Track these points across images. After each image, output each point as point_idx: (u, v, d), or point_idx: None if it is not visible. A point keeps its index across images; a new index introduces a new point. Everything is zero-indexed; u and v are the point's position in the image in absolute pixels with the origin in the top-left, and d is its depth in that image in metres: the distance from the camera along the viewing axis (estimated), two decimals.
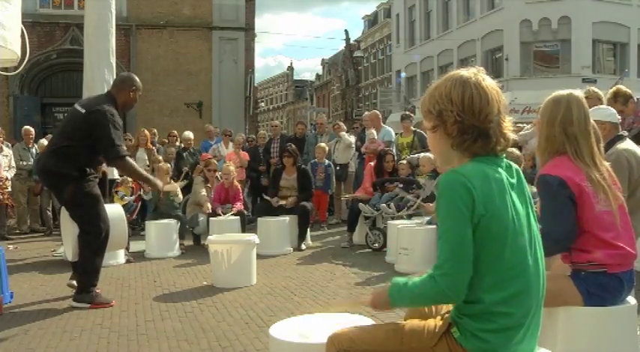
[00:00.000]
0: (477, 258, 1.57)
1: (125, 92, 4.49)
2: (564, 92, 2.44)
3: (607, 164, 2.40)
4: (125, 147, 4.43)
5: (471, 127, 1.62)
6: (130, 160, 4.42)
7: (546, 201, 2.33)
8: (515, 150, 5.47)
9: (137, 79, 4.63)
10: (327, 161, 8.77)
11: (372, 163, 7.72)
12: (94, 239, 4.30)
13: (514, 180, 1.67)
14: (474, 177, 1.57)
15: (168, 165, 8.01)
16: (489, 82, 1.67)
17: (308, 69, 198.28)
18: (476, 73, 1.67)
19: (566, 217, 2.26)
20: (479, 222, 1.55)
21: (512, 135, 1.68)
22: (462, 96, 1.62)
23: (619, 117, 3.56)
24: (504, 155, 1.69)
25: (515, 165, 1.73)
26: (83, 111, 4.26)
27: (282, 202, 7.10)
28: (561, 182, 2.25)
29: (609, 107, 3.43)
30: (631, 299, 2.36)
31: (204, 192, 7.39)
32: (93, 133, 4.20)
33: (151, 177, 4.78)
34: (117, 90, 4.50)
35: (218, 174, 7.67)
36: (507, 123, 1.67)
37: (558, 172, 2.28)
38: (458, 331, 1.61)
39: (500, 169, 1.64)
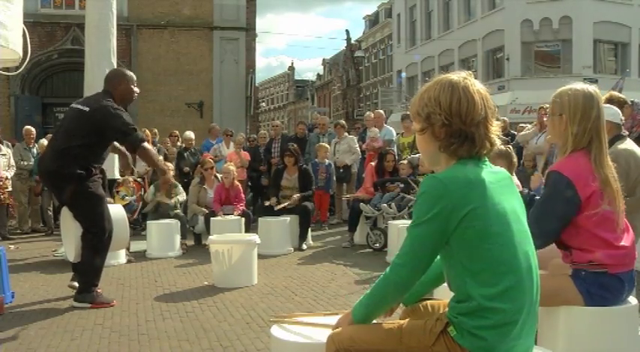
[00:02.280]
0: (465, 257, 1.61)
1: (122, 86, 4.50)
2: (586, 87, 2.34)
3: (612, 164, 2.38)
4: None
5: (458, 131, 1.66)
6: (149, 145, 4.61)
7: (544, 198, 2.33)
8: (504, 147, 5.43)
9: (128, 71, 4.73)
10: (327, 161, 8.78)
11: (372, 163, 7.73)
12: (97, 239, 4.31)
13: (499, 180, 1.69)
14: (454, 182, 1.61)
15: (171, 164, 8.03)
16: (478, 87, 1.70)
17: (310, 69, 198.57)
18: (465, 77, 1.70)
19: (554, 219, 2.25)
20: (460, 222, 1.59)
21: (498, 141, 1.71)
22: (450, 100, 1.66)
23: (622, 117, 3.54)
24: (486, 158, 1.72)
25: (499, 168, 1.76)
26: (87, 109, 4.27)
27: (283, 205, 7.06)
28: (569, 183, 2.21)
29: (612, 106, 3.40)
30: (632, 299, 2.35)
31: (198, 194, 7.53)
32: (104, 129, 4.23)
33: (165, 168, 5.01)
34: (113, 85, 4.48)
35: (219, 175, 7.66)
36: (494, 128, 1.70)
37: (570, 172, 2.24)
38: (454, 330, 1.63)
39: (483, 171, 1.67)
